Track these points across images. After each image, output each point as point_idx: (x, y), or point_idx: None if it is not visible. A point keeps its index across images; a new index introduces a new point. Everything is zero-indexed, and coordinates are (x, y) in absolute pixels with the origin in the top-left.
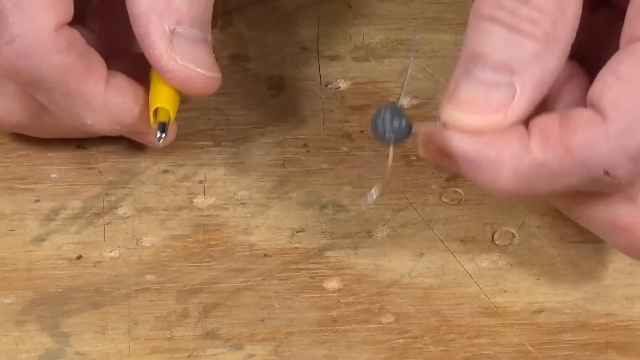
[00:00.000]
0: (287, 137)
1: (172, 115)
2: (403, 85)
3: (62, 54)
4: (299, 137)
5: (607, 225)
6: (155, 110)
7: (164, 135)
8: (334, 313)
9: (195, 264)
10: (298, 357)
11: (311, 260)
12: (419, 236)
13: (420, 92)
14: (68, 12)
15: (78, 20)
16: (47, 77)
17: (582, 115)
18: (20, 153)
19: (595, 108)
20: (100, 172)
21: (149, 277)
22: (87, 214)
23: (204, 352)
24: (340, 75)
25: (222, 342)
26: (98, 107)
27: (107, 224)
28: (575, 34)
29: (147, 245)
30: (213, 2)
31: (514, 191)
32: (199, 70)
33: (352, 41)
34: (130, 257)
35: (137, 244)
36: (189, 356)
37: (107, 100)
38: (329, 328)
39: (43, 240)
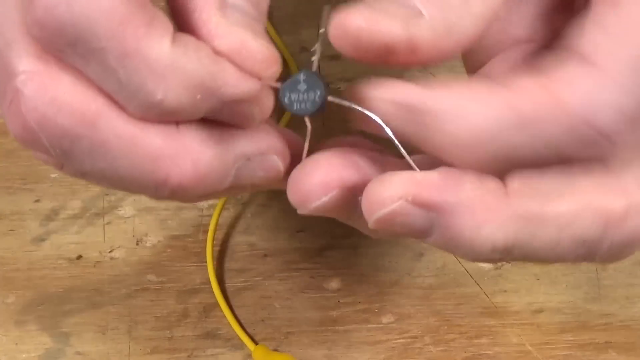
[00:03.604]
0: None
1: None
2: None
3: None
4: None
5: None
6: None
7: None
8: (334, 313)
9: (195, 264)
10: (298, 357)
11: (311, 260)
12: None
13: None
14: None
15: None
16: (98, 29)
17: (570, 66)
18: (20, 153)
19: (583, 59)
20: None
21: (149, 277)
22: (87, 214)
23: (204, 352)
24: (340, 75)
25: (222, 342)
26: (166, 70)
27: (107, 224)
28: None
29: (147, 245)
30: None
31: (488, 151)
32: (255, 37)
33: None
34: (130, 257)
35: (137, 244)
36: (189, 356)
37: (175, 59)
38: (329, 328)
39: (43, 240)
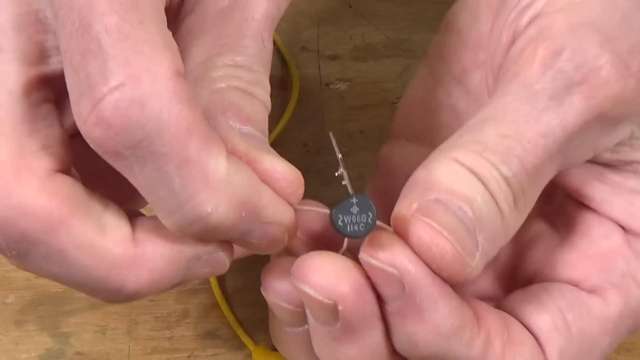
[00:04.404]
0: (287, 137)
1: None
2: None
3: (185, 105)
4: (299, 137)
5: None
6: None
7: None
8: None
9: None
10: None
11: None
12: None
13: None
14: (181, 63)
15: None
16: (166, 134)
17: (528, 344)
18: None
19: (538, 340)
20: None
21: None
22: None
23: (204, 352)
24: (340, 75)
25: (222, 342)
26: (221, 183)
27: None
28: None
29: None
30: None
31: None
32: (281, 160)
33: (352, 41)
34: None
35: None
36: (189, 356)
37: (230, 174)
38: None
39: None
